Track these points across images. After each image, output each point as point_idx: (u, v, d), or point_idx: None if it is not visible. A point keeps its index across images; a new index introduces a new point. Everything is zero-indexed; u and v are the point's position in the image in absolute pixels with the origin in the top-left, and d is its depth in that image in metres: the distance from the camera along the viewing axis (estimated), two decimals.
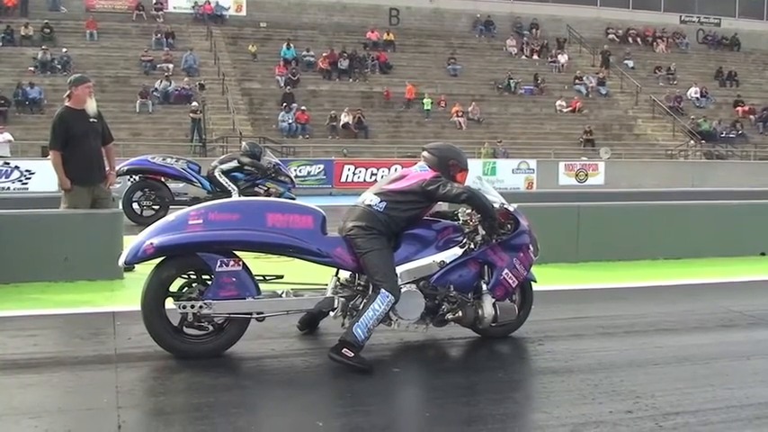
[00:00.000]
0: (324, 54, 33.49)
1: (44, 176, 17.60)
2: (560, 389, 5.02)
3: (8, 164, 20.99)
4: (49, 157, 8.53)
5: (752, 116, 36.66)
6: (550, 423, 4.43)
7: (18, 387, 4.74)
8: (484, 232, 5.64)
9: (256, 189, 14.03)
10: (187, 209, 5.45)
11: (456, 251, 5.65)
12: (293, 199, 11.45)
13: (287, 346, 5.72)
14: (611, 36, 41.44)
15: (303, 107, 29.84)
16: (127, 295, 7.50)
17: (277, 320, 5.69)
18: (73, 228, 8.11)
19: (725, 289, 8.56)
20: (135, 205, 13.64)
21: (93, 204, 8.43)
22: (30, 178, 20.62)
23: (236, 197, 12.95)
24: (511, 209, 5.86)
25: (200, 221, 5.22)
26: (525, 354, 5.92)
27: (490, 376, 5.23)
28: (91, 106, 8.37)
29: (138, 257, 5.22)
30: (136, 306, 6.78)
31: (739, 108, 36.81)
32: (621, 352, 5.87)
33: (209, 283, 5.31)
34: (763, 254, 10.65)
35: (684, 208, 11.07)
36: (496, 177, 24.94)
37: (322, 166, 24.21)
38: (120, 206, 9.71)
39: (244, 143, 15.01)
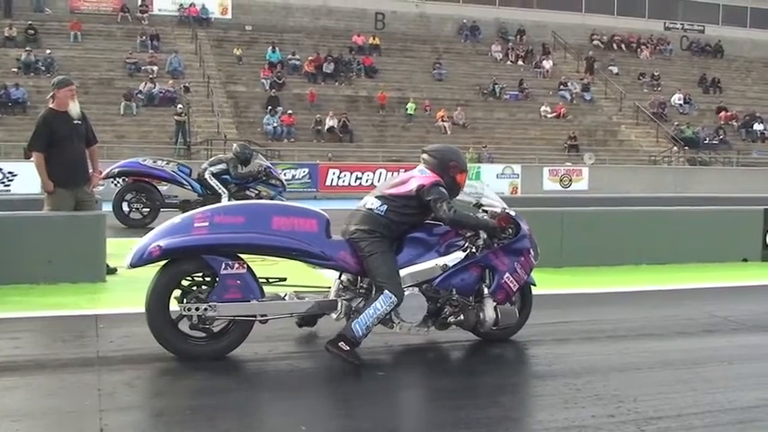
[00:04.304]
0: (309, 58, 33.45)
1: (27, 178, 17.50)
2: (543, 393, 5.04)
3: None
4: (31, 159, 8.48)
5: (734, 122, 36.87)
6: (534, 427, 4.45)
7: None
8: (486, 236, 5.68)
9: (247, 192, 14.03)
10: (193, 211, 5.49)
11: (458, 255, 5.69)
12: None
13: (270, 349, 5.71)
14: (595, 42, 41.59)
15: (289, 110, 29.79)
16: (110, 298, 7.49)
17: (260, 324, 5.68)
18: (56, 230, 8.07)
19: (708, 294, 8.61)
20: (125, 207, 13.61)
21: (76, 207, 8.38)
22: (12, 180, 20.50)
23: (225, 201, 12.95)
24: (512, 213, 5.91)
25: (206, 224, 5.25)
26: (509, 358, 5.94)
27: (474, 380, 5.24)
28: (74, 109, 8.32)
29: (143, 260, 5.23)
30: (118, 309, 6.78)
31: (722, 114, 37.00)
32: (604, 357, 5.89)
33: (214, 285, 5.32)
34: (745, 260, 10.72)
35: (667, 214, 11.13)
36: (479, 182, 24.97)
37: (307, 170, 24.21)
38: (103, 209, 9.66)
39: (234, 145, 14.95)
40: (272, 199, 13.30)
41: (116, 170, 13.75)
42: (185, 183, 14.09)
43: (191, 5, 35.41)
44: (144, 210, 13.66)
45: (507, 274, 5.78)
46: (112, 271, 8.32)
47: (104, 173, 13.27)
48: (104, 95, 28.91)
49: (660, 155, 33.07)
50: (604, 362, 5.74)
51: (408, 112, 31.89)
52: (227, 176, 14.02)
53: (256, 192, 14.11)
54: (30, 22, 31.82)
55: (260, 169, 14.33)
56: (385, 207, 5.56)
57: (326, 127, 29.79)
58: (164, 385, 4.96)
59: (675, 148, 33.48)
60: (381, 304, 5.27)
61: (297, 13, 37.75)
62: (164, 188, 14.17)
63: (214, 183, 13.92)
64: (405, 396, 5.16)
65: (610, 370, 5.51)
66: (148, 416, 4.48)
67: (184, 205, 12.82)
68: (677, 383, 5.21)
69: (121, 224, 13.23)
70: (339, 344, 5.20)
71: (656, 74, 39.21)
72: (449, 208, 5.45)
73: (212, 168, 14.09)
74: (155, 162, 14.15)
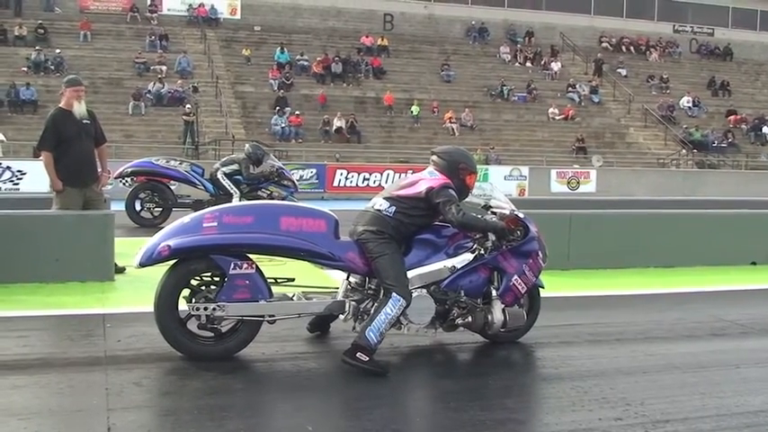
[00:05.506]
0: (318, 58, 33.49)
1: (36, 177, 17.52)
2: (550, 395, 5.04)
3: (0, 164, 20.90)
4: (41, 157, 8.51)
5: (744, 125, 36.77)
6: (540, 430, 4.45)
7: (7, 388, 4.73)
8: (494, 238, 5.69)
9: (259, 193, 14.06)
10: (202, 211, 5.51)
11: (467, 257, 5.70)
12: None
13: (277, 349, 5.72)
14: (604, 44, 41.52)
15: (297, 111, 29.83)
16: (117, 297, 7.50)
17: (267, 324, 5.69)
18: (64, 229, 8.09)
19: (715, 298, 8.59)
20: (137, 206, 13.69)
21: (84, 206, 8.40)
22: (21, 179, 20.53)
23: (236, 201, 12.96)
24: (521, 215, 5.93)
25: (215, 224, 5.27)
26: (516, 360, 5.94)
27: (480, 382, 5.24)
28: (78, 110, 8.32)
29: (152, 259, 5.24)
30: (126, 308, 6.79)
31: (731, 117, 36.91)
32: (611, 359, 5.89)
33: (223, 285, 5.33)
34: (753, 263, 10.69)
35: (675, 217, 11.10)
36: (488, 184, 24.92)
37: (314, 171, 24.22)
38: (112, 208, 9.68)
39: (247, 145, 14.96)
40: (283, 199, 13.32)
41: (129, 169, 13.84)
42: (198, 183, 14.16)
43: (200, 6, 35.50)
44: (156, 209, 13.75)
45: (516, 277, 5.79)
46: (121, 270, 8.34)
47: (117, 172, 13.35)
48: (113, 95, 29.00)
49: (668, 157, 33.00)
50: (612, 365, 5.73)
51: (413, 113, 31.88)
52: (239, 177, 14.05)
53: (268, 192, 14.14)
54: (39, 22, 31.95)
55: (272, 170, 14.36)
56: (394, 208, 5.56)
57: (334, 128, 29.81)
58: (171, 385, 4.97)
59: (684, 150, 33.39)
60: (391, 309, 5.26)
61: (305, 13, 37.79)
62: (173, 187, 14.22)
63: (226, 183, 13.95)
64: (411, 397, 5.16)
65: (617, 373, 5.50)
66: (156, 415, 4.49)
67: (196, 205, 12.83)
68: (684, 387, 5.21)
69: (133, 223, 13.31)
70: (357, 355, 5.19)
71: (664, 76, 39.13)
72: (457, 210, 5.45)
73: (224, 169, 14.12)
74: (168, 162, 14.22)
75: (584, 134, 32.76)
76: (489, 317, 5.72)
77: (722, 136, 35.28)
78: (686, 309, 7.88)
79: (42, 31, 31.42)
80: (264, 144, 24.32)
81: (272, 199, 13.44)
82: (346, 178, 24.68)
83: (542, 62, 38.32)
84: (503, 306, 5.75)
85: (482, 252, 5.72)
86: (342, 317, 5.60)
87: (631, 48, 42.14)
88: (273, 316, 5.45)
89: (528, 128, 33.65)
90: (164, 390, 4.92)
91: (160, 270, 5.39)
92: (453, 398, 4.87)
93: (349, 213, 6.13)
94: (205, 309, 5.25)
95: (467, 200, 6.00)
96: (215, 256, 5.27)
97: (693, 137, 34.34)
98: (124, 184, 13.87)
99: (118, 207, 11.45)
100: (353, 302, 5.57)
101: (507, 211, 5.96)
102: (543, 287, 6.26)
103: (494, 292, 5.76)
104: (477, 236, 5.75)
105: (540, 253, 5.94)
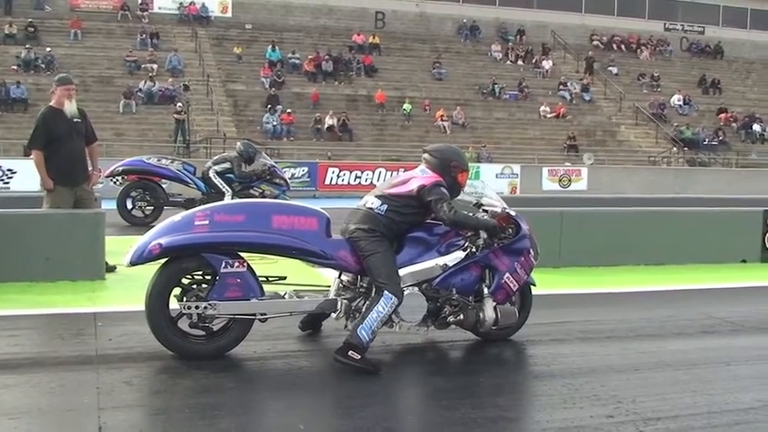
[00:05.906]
0: (309, 56, 33.45)
1: (26, 176, 17.47)
2: (542, 393, 5.05)
3: None
4: (31, 156, 8.48)
5: (734, 123, 36.87)
6: (532, 427, 4.46)
7: None
8: (486, 236, 5.69)
9: (251, 191, 14.02)
10: (193, 210, 5.50)
11: (458, 254, 5.71)
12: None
13: (269, 348, 5.71)
14: (595, 42, 41.58)
15: (288, 109, 29.79)
16: (108, 296, 7.48)
17: (258, 323, 5.69)
18: (55, 228, 8.06)
19: (706, 295, 8.62)
20: (129, 205, 13.66)
21: (75, 204, 8.38)
22: (11, 177, 20.46)
23: (228, 199, 12.94)
24: (512, 213, 5.94)
25: (206, 222, 5.26)
26: (507, 358, 5.95)
27: (472, 380, 5.24)
28: (69, 108, 8.29)
29: (144, 258, 5.23)
30: (117, 307, 6.77)
31: (722, 115, 37.01)
32: (603, 357, 5.90)
33: (214, 283, 5.32)
34: (744, 261, 10.73)
35: (666, 214, 11.13)
36: (480, 182, 24.92)
37: (306, 169, 24.20)
38: (102, 206, 9.65)
39: (238, 143, 14.92)
40: (275, 198, 13.29)
41: (120, 168, 13.81)
42: (189, 181, 14.12)
43: (191, 4, 35.40)
44: (147, 208, 13.73)
45: (507, 274, 5.80)
46: (111, 269, 8.32)
47: (108, 171, 13.33)
48: (104, 93, 28.90)
49: (659, 155, 33.07)
50: (603, 362, 5.74)
51: (405, 111, 31.86)
52: (230, 175, 14.01)
53: (260, 190, 14.12)
54: (30, 20, 31.82)
55: (264, 168, 14.33)
56: (385, 207, 5.56)
57: (326, 126, 29.77)
58: (162, 384, 4.96)
59: (675, 148, 33.48)
60: (383, 307, 5.27)
61: (297, 11, 37.72)
62: (164, 185, 14.19)
63: (218, 181, 13.91)
64: (403, 395, 5.17)
65: (608, 370, 5.52)
66: (147, 414, 4.48)
67: (188, 204, 12.80)
68: (675, 384, 5.22)
69: (125, 221, 13.29)
70: (348, 353, 5.18)
71: (655, 74, 39.21)
72: (449, 209, 5.46)
73: (216, 167, 14.08)
74: (159, 160, 14.20)
75: (575, 132, 32.80)
76: (481, 315, 5.73)
77: (713, 134, 35.39)
78: (677, 306, 7.91)
79: (32, 29, 31.29)
80: (256, 142, 24.28)
81: (264, 197, 13.40)
82: (338, 176, 24.68)
83: (534, 60, 38.35)
84: (494, 304, 5.76)
85: (474, 250, 5.72)
86: (334, 315, 5.59)
87: (622, 46, 42.19)
88: (265, 314, 5.44)
89: (519, 126, 33.69)
90: (155, 389, 4.91)
91: (151, 269, 5.38)
92: (445, 396, 4.87)
93: (341, 211, 6.13)
94: (196, 307, 5.24)
95: (458, 198, 6.00)
96: (206, 254, 5.27)
97: (684, 135, 34.42)
98: (115, 182, 13.83)
99: (109, 206, 11.42)
100: (345, 301, 5.57)
101: (499, 209, 5.98)
102: (535, 285, 6.27)
103: (485, 290, 5.77)
104: (469, 234, 5.75)
105: (531, 251, 5.95)
